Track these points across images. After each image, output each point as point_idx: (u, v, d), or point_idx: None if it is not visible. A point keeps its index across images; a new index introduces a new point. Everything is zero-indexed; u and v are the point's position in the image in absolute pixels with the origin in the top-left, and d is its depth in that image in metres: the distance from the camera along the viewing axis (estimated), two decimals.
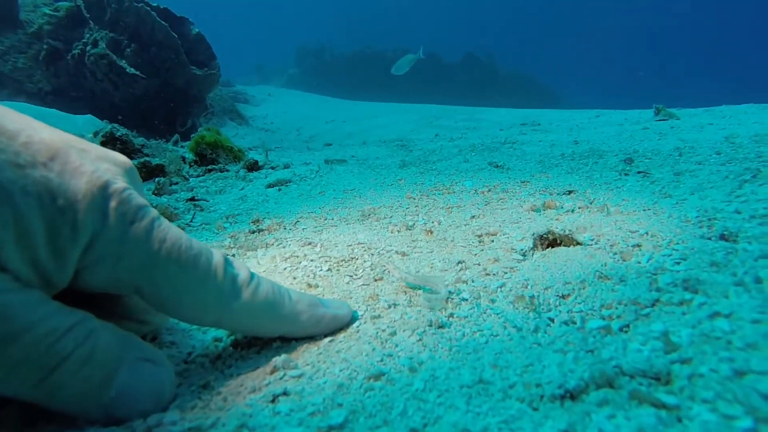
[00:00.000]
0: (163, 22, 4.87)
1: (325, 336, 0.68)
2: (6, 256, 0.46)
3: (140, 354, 0.54)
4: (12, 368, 0.46)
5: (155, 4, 5.03)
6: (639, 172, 1.54)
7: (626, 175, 1.54)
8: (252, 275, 0.62)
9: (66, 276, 0.50)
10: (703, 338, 0.57)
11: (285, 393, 0.56)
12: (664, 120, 3.20)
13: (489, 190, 1.50)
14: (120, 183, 0.53)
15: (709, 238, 0.89)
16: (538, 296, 0.74)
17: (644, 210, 1.12)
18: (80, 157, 0.52)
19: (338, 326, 0.69)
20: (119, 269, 0.52)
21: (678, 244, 0.87)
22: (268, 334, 0.66)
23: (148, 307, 0.62)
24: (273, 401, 0.55)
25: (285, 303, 0.64)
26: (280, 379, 0.59)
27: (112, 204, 0.51)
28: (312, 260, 0.98)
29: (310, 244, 1.09)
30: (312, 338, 0.68)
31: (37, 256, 0.48)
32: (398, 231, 1.16)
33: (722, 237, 0.89)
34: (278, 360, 0.62)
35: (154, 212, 0.56)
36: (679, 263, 0.79)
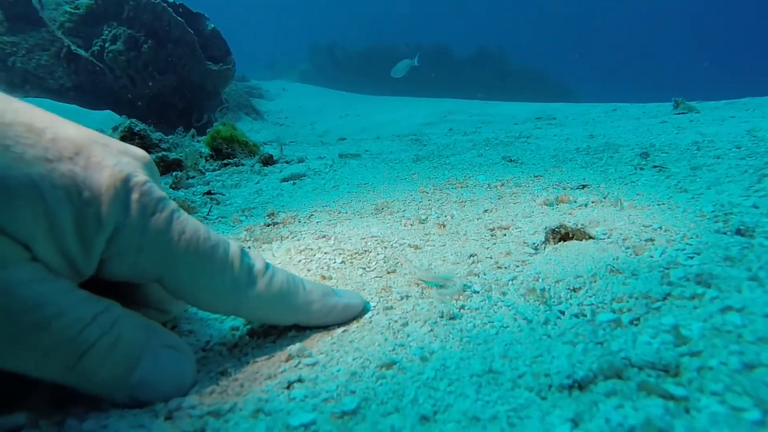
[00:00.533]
0: (179, 18, 4.93)
1: (339, 326, 0.70)
2: (38, 247, 0.48)
3: (163, 341, 0.57)
4: (46, 353, 0.48)
5: (171, 0, 5.10)
6: (655, 167, 1.52)
7: (641, 169, 1.52)
8: (267, 265, 0.64)
9: (92, 265, 0.53)
10: (714, 332, 0.58)
11: (300, 380, 0.58)
12: (683, 113, 3.14)
13: (502, 185, 1.50)
14: (141, 176, 0.55)
15: (725, 233, 0.88)
16: (549, 289, 0.74)
17: (659, 204, 1.12)
18: (103, 151, 0.54)
19: (351, 316, 0.71)
20: (141, 259, 0.54)
21: (692, 238, 0.87)
22: (282, 322, 0.68)
23: (167, 296, 0.64)
24: (288, 387, 0.57)
25: (299, 292, 0.66)
26: (295, 366, 0.61)
27: (134, 196, 0.53)
28: (326, 253, 1.00)
29: (324, 237, 1.11)
30: (326, 328, 0.70)
31: (65, 247, 0.50)
32: (411, 224, 1.17)
33: (738, 232, 0.88)
34: (293, 348, 0.64)
35: (173, 204, 0.57)
36: (692, 258, 0.79)
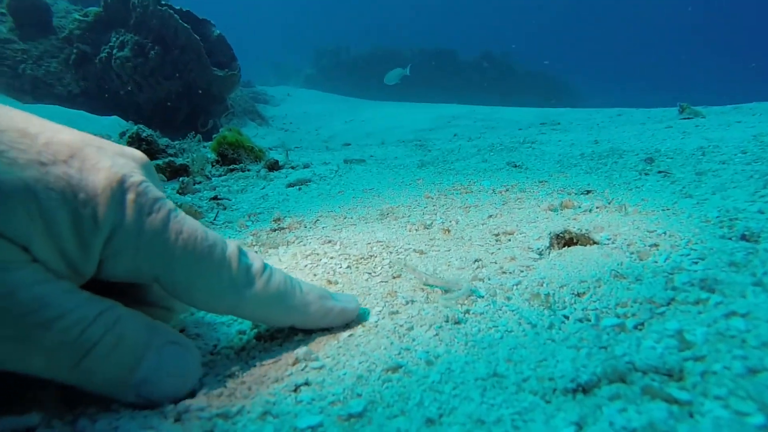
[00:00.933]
0: (186, 25, 4.98)
1: (345, 330, 0.71)
2: (36, 248, 0.49)
3: (166, 338, 0.57)
4: (49, 354, 0.49)
5: (178, 7, 5.16)
6: (660, 172, 1.52)
7: (646, 174, 1.52)
8: (265, 266, 0.64)
9: (91, 266, 0.53)
10: (718, 337, 0.58)
11: (306, 383, 0.59)
12: (688, 118, 3.14)
13: (507, 190, 1.51)
14: (137, 176, 0.56)
15: (730, 238, 0.88)
16: (554, 294, 0.75)
17: (663, 210, 1.12)
18: (98, 153, 0.55)
19: (347, 319, 0.71)
20: (138, 259, 0.55)
21: (696, 244, 0.87)
22: (279, 323, 0.68)
23: None
24: (295, 390, 0.58)
25: (296, 294, 0.66)
26: (302, 370, 0.62)
27: (130, 197, 0.54)
28: (332, 258, 1.01)
29: (330, 242, 1.12)
30: (332, 332, 0.70)
31: (64, 248, 0.51)
32: (416, 230, 1.18)
33: (743, 237, 0.88)
34: (300, 352, 0.64)
35: (170, 204, 0.58)
36: (696, 263, 0.79)
